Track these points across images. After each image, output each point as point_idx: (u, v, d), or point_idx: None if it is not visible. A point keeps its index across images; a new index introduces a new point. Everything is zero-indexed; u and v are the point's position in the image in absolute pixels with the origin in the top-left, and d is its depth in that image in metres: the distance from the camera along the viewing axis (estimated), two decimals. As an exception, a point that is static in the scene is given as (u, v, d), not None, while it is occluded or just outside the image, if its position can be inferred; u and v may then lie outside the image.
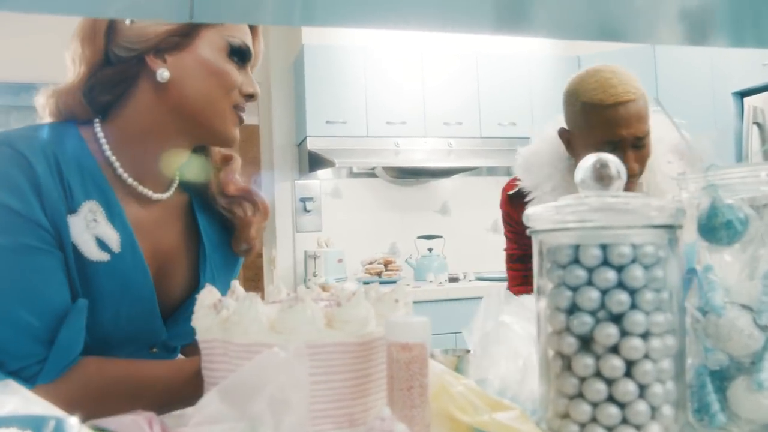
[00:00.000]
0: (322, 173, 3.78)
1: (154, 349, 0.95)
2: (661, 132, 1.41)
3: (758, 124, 2.99)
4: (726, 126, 3.20)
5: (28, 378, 0.77)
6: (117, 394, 0.80)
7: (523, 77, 3.82)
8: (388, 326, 0.63)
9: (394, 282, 3.45)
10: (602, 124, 1.34)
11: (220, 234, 1.03)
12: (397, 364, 0.62)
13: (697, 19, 0.70)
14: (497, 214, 1.71)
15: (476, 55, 3.77)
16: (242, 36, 0.92)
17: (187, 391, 0.75)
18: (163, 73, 0.87)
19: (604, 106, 1.33)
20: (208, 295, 0.71)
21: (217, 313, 0.69)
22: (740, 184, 0.66)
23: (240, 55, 0.91)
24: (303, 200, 3.78)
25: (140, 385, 0.82)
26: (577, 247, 0.62)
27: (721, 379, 0.66)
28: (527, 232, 0.68)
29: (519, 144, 1.64)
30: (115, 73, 0.88)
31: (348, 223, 3.83)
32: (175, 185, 0.98)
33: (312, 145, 3.49)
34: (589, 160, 0.66)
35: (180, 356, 1.02)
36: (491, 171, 4.01)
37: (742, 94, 3.28)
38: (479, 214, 3.89)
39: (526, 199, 1.52)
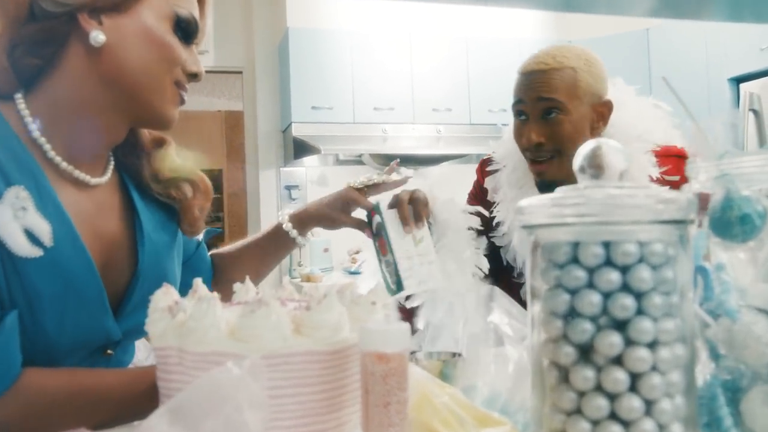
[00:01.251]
0: (308, 160, 3.70)
1: (109, 351, 0.85)
2: (646, 125, 1.32)
3: (754, 111, 2.93)
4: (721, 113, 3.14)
5: None
6: (63, 411, 0.71)
7: (514, 62, 3.72)
8: (362, 333, 0.56)
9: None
10: (514, 90, 1.37)
11: (161, 211, 0.94)
12: (372, 377, 0.55)
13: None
14: (485, 203, 1.65)
15: (466, 39, 3.69)
16: (190, 7, 0.83)
17: (142, 403, 0.68)
18: (97, 36, 0.77)
19: (519, 73, 1.37)
20: (163, 296, 0.63)
21: (172, 316, 0.61)
22: (758, 173, 0.59)
23: (186, 29, 0.83)
24: (288, 188, 3.70)
25: (89, 399, 0.73)
26: (576, 245, 0.54)
27: (734, 390, 0.59)
28: (520, 225, 0.61)
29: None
30: (39, 31, 0.77)
31: (335, 212, 3.76)
32: (111, 167, 0.90)
33: (297, 131, 3.41)
34: (588, 146, 0.58)
35: (135, 363, 0.94)
36: (481, 159, 3.94)
37: (738, 80, 3.23)
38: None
39: (488, 168, 1.51)
